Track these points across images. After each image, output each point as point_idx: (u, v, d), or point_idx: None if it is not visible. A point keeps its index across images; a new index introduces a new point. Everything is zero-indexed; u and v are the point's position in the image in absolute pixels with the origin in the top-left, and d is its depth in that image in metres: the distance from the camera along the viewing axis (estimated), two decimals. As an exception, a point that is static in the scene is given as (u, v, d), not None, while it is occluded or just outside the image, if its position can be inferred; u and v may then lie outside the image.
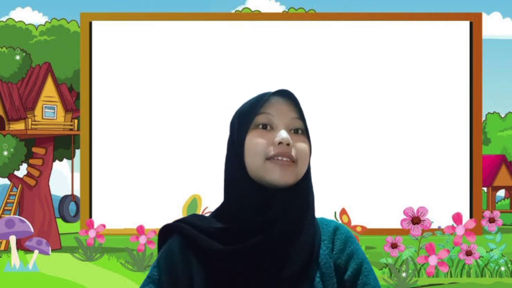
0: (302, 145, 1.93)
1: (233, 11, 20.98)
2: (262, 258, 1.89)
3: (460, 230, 12.36)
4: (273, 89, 1.98)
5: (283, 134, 1.91)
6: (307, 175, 1.96)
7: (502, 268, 12.75)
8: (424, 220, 12.27)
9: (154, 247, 14.09)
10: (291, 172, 1.90)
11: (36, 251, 14.26)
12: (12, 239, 14.38)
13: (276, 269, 1.89)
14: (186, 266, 1.93)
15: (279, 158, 1.90)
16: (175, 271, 1.94)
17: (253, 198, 1.91)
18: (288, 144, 1.90)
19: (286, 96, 1.96)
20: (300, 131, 1.95)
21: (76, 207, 21.47)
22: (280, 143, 1.90)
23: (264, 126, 1.93)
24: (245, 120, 1.94)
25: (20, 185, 19.28)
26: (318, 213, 2.04)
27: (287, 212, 1.90)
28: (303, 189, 1.94)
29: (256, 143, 1.91)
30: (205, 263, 1.91)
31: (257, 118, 1.93)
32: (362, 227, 13.08)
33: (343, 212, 13.15)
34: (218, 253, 1.89)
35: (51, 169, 19.64)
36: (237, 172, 1.93)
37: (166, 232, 1.99)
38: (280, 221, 1.90)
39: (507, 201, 28.98)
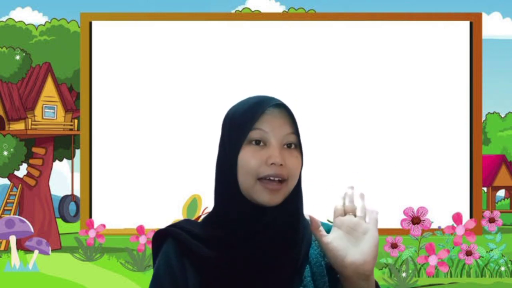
0: (294, 162, 1.94)
1: (233, 11, 20.98)
2: (252, 264, 1.91)
3: (460, 230, 12.36)
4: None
5: (276, 154, 1.92)
6: (297, 186, 1.97)
7: (502, 268, 12.75)
8: (424, 220, 12.27)
9: (154, 247, 14.06)
10: (280, 194, 1.93)
11: (36, 251, 14.26)
12: (12, 239, 14.38)
13: (266, 273, 1.91)
14: (182, 270, 1.95)
15: (270, 179, 1.91)
16: (174, 276, 1.95)
17: (243, 211, 1.93)
18: (280, 164, 1.91)
19: (281, 108, 1.96)
20: (293, 146, 1.95)
21: (76, 207, 21.47)
22: (272, 163, 1.91)
23: (257, 142, 1.93)
24: (238, 134, 1.94)
25: (20, 185, 19.27)
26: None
27: (276, 221, 1.93)
28: (292, 201, 1.96)
29: (248, 162, 1.92)
30: (198, 268, 1.93)
31: (251, 134, 1.93)
32: (362, 227, 13.06)
33: (343, 212, 13.14)
34: (210, 259, 1.91)
35: (51, 169, 19.64)
36: (230, 187, 1.95)
37: (160, 238, 2.00)
38: (270, 229, 1.93)
39: (507, 201, 28.97)
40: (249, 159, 1.92)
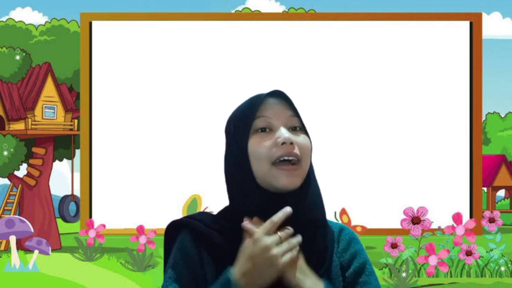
0: (304, 142, 1.95)
1: (233, 11, 20.98)
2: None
3: (460, 230, 12.36)
4: (271, 89, 1.99)
5: (285, 133, 1.92)
6: (310, 172, 1.97)
7: (502, 268, 12.75)
8: (424, 220, 12.27)
9: (154, 247, 14.09)
10: (297, 175, 1.92)
11: (36, 251, 14.25)
12: (12, 239, 14.38)
13: (288, 266, 1.90)
14: (200, 260, 1.94)
15: (285, 159, 1.91)
16: (193, 266, 1.94)
17: (261, 203, 1.92)
18: (291, 143, 1.91)
19: (279, 96, 1.97)
20: (298, 128, 1.96)
21: (76, 207, 21.47)
22: (283, 143, 1.91)
23: (263, 129, 1.94)
24: (242, 126, 1.95)
25: (20, 185, 19.27)
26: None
27: (296, 212, 1.91)
28: (309, 187, 1.95)
29: (259, 148, 1.92)
30: (217, 260, 1.93)
31: (255, 123, 1.94)
32: (362, 227, 13.09)
33: (343, 212, 13.16)
34: (228, 252, 1.91)
35: (51, 169, 19.63)
36: (244, 180, 1.94)
37: (175, 228, 1.99)
38: (289, 221, 1.91)
39: (507, 201, 28.97)
40: (258, 145, 1.92)
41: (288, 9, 20.23)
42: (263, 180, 1.92)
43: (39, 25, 20.45)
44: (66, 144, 20.33)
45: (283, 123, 1.94)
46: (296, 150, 1.92)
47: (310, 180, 1.96)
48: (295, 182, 1.91)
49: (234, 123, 1.97)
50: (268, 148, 1.91)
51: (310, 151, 1.96)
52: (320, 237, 1.94)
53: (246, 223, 1.88)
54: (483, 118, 29.28)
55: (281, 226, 1.90)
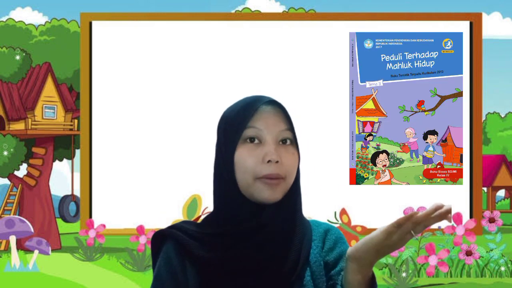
0: (291, 159, 1.95)
1: (233, 11, 20.99)
2: (252, 262, 1.92)
3: (460, 230, 12.36)
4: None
5: (272, 151, 1.93)
6: (295, 183, 1.98)
7: (502, 268, 12.75)
8: (424, 220, 12.24)
9: (154, 247, 14.07)
10: (280, 189, 1.94)
11: (36, 251, 14.26)
12: (12, 239, 14.38)
13: (266, 271, 1.92)
14: (183, 270, 1.96)
15: (268, 178, 1.92)
16: (176, 276, 1.96)
17: (242, 210, 1.94)
18: (277, 161, 1.92)
19: (274, 105, 1.97)
20: (288, 142, 1.96)
21: (76, 207, 21.47)
22: (269, 161, 1.92)
23: (252, 140, 1.94)
24: (233, 134, 1.95)
25: (20, 185, 19.27)
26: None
27: (275, 218, 1.94)
28: (290, 198, 1.97)
29: (245, 161, 1.93)
30: (198, 269, 1.94)
31: (245, 132, 1.94)
32: (362, 227, 13.08)
33: (343, 212, 13.14)
34: (209, 260, 1.93)
35: (51, 169, 19.64)
36: (228, 187, 1.96)
37: (160, 239, 2.01)
38: (268, 226, 1.93)
39: (507, 201, 28.98)
40: (245, 158, 1.93)
41: (288, 9, 20.25)
42: (245, 190, 1.94)
43: (39, 25, 20.45)
44: (66, 144, 20.33)
45: (273, 136, 1.94)
46: (282, 168, 1.93)
47: (292, 195, 1.97)
48: (276, 196, 1.93)
49: (225, 126, 1.99)
50: (254, 164, 1.93)
51: (295, 168, 1.97)
52: (294, 242, 1.95)
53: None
54: (483, 118, 29.30)
55: (254, 234, 1.92)
